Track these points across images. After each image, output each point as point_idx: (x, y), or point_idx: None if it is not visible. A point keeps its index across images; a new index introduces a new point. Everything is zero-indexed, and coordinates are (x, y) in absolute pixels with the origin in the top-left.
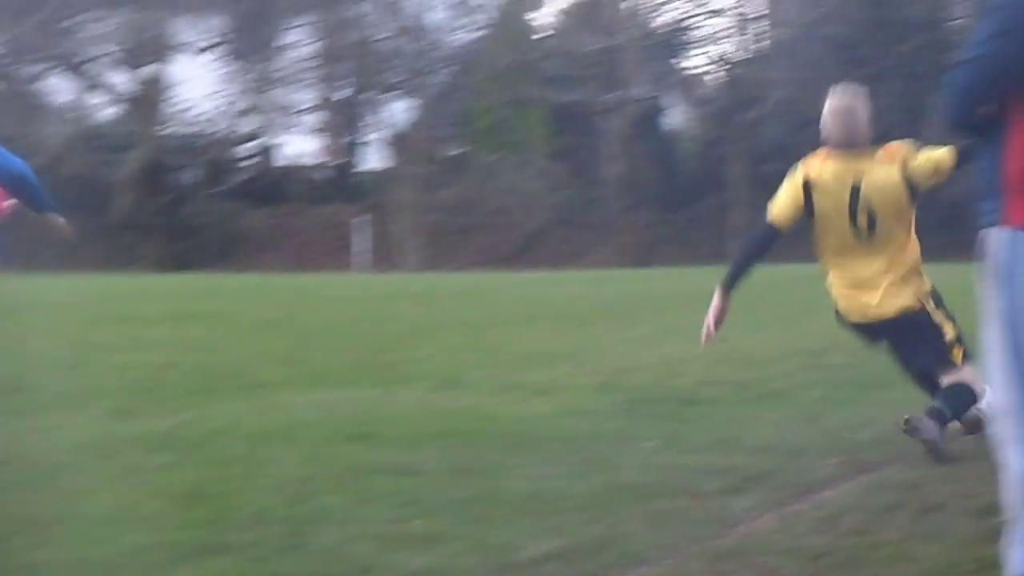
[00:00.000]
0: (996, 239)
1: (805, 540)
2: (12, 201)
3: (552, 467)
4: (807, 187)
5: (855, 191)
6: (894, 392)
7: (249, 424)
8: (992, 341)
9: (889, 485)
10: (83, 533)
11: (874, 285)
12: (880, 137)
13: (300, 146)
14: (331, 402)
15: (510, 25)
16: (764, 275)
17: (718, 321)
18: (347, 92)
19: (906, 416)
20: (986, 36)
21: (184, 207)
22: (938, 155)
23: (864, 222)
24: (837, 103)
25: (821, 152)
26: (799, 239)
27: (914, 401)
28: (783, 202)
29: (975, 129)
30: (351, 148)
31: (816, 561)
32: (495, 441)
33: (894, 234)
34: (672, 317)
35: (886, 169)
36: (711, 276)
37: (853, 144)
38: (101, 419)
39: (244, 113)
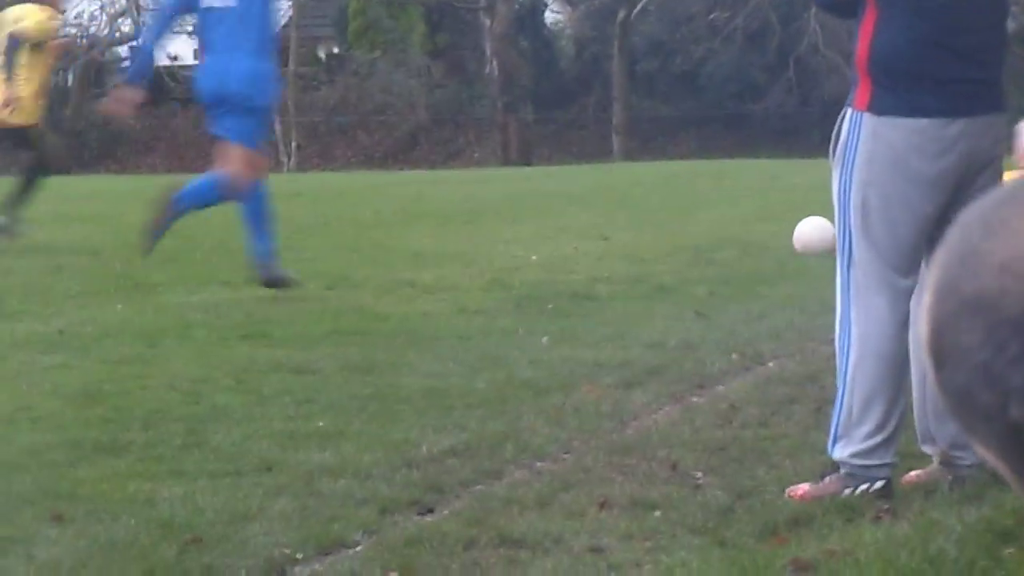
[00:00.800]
0: (844, 120)
1: (706, 433)
2: None
3: (447, 364)
4: None
5: None
6: (783, 288)
7: (140, 324)
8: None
9: (785, 379)
10: None
11: None
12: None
13: (178, 47)
14: (221, 302)
15: None
16: (648, 171)
17: None
18: None
19: None
20: None
21: (63, 109)
22: None
23: None
24: None
25: None
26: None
27: (806, 296)
28: None
29: (833, 10)
30: None
31: (718, 453)
32: (388, 339)
33: None
34: (557, 216)
35: None
36: (594, 174)
37: None
38: None
39: (120, 14)
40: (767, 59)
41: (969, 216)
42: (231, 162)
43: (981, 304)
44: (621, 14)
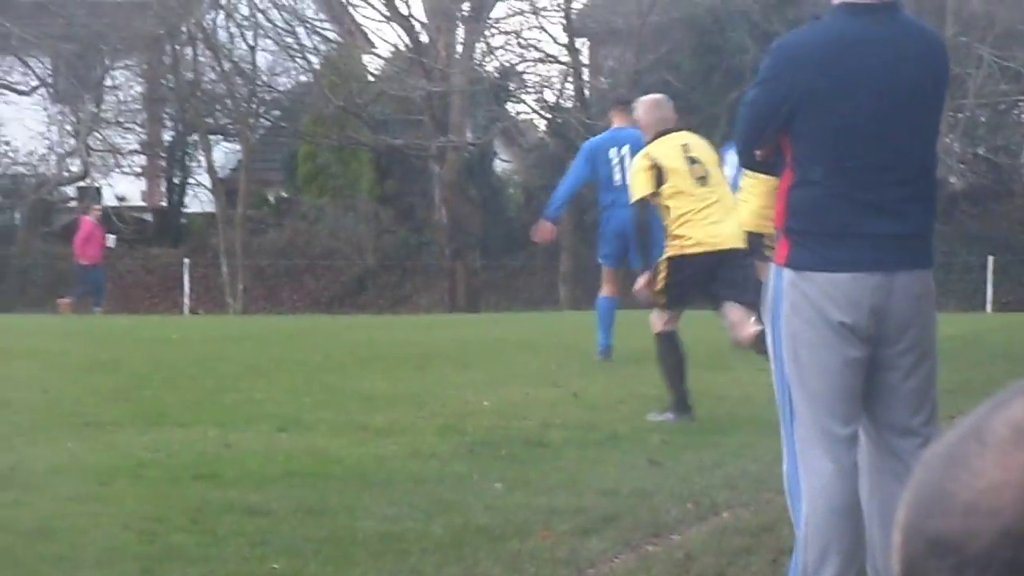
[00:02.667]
0: (770, 276)
1: None
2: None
3: (402, 508)
4: None
5: None
6: (737, 436)
7: (91, 462)
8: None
9: (741, 528)
10: None
11: None
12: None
13: (126, 188)
14: (173, 441)
15: (337, 68)
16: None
17: None
18: (172, 134)
19: None
20: (755, 82)
21: (9, 248)
22: None
23: None
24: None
25: None
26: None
27: (760, 446)
28: None
29: (758, 169)
30: (177, 190)
31: None
32: (341, 482)
33: None
34: (506, 362)
35: None
36: (542, 321)
37: None
38: None
39: (69, 155)
40: None
41: (932, 454)
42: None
43: (948, 545)
44: (567, 163)
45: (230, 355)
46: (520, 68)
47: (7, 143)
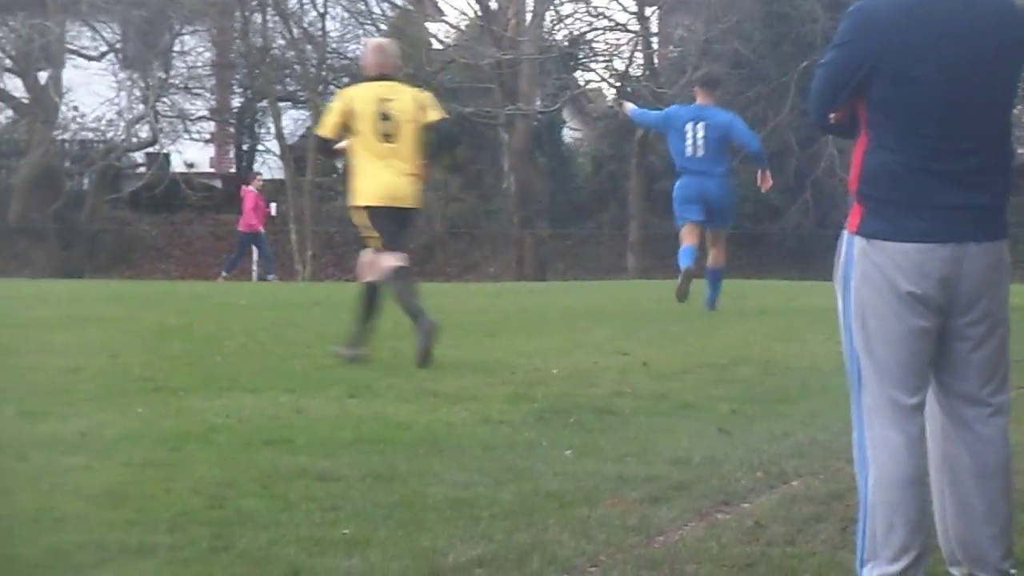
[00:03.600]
0: (841, 243)
1: (733, 550)
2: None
3: (472, 474)
4: None
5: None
6: (806, 405)
7: (162, 428)
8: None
9: (812, 497)
10: (4, 532)
11: None
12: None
13: (195, 154)
14: (243, 407)
15: (407, 36)
16: (665, 288)
17: None
18: (242, 100)
19: None
20: (832, 45)
21: (78, 213)
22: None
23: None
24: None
25: None
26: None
27: (829, 415)
28: None
29: (833, 132)
30: (245, 157)
31: (746, 570)
32: (411, 448)
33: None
34: (575, 330)
35: None
36: (610, 290)
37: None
38: (10, 420)
39: (138, 120)
40: (785, 181)
41: None
42: None
43: None
44: (639, 133)
45: (300, 321)
46: (589, 36)
47: (76, 109)
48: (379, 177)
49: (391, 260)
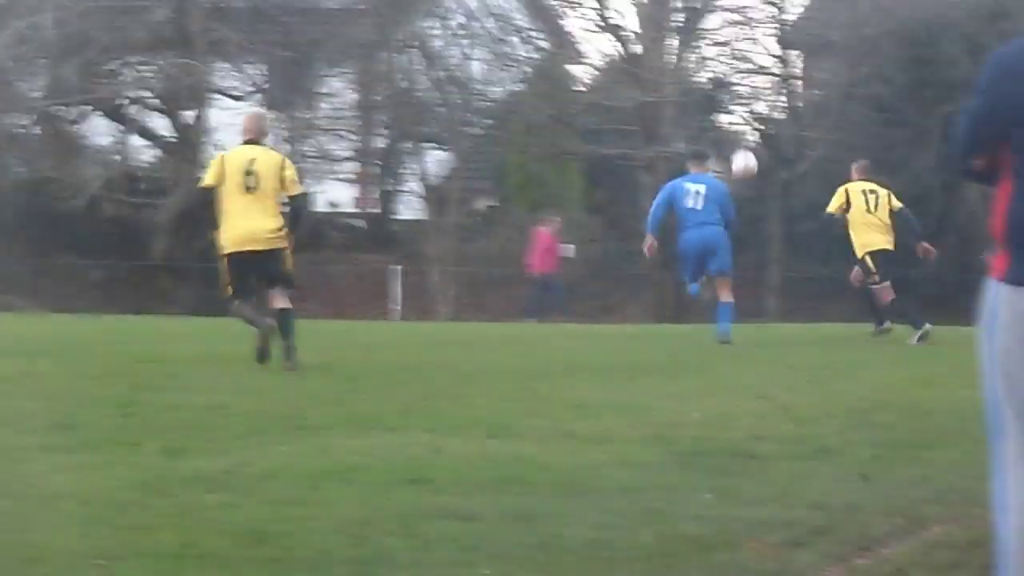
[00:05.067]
0: (986, 289)
1: None
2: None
3: (610, 516)
4: None
5: None
6: (946, 451)
7: (303, 466)
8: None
9: (951, 543)
10: (149, 569)
11: None
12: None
13: (337, 194)
14: (383, 446)
15: (549, 78)
16: (806, 333)
17: None
18: (384, 142)
19: None
20: (976, 92)
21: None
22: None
23: None
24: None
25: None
26: (840, 298)
27: (970, 461)
28: None
29: (975, 178)
30: (387, 197)
31: None
32: (551, 489)
33: None
34: (714, 373)
35: None
36: (750, 333)
37: None
38: (154, 457)
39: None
40: (927, 225)
41: None
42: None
43: None
44: (783, 175)
45: (440, 361)
46: (732, 79)
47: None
48: (238, 226)
49: (279, 302)
